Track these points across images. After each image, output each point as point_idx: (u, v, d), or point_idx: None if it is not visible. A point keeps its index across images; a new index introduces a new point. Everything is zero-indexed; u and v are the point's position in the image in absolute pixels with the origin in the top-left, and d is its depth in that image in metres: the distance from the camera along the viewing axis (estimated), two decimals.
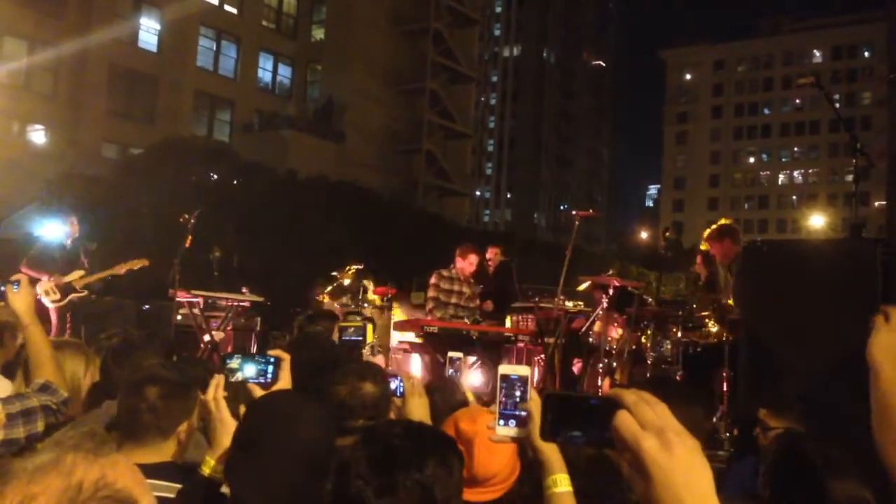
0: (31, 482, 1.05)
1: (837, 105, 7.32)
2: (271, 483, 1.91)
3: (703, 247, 7.21)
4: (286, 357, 2.34)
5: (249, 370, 2.31)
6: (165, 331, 8.27)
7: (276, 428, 2.00)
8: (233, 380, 2.34)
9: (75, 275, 8.74)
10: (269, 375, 2.31)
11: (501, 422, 1.73)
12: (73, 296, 8.65)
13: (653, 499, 0.98)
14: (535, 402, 1.72)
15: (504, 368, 1.78)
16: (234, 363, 2.32)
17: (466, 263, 8.51)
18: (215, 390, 2.31)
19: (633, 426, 1.00)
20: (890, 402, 1.89)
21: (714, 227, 7.19)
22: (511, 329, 8.75)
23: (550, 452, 1.73)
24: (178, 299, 8.68)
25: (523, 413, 1.72)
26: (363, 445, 1.59)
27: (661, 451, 0.98)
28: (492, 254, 9.82)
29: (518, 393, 1.74)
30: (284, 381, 2.29)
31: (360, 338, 5.97)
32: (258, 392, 2.30)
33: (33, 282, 8.14)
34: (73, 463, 1.09)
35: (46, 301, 8.43)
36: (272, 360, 2.33)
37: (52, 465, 1.08)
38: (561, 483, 1.73)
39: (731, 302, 7.18)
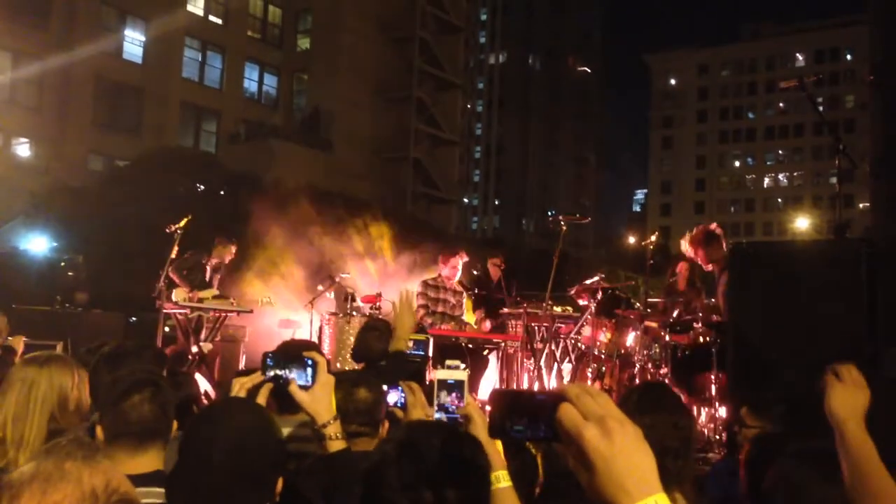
0: (46, 493, 1.06)
1: (820, 108, 7.34)
2: (196, 491, 1.89)
3: (683, 247, 7.17)
4: (322, 360, 2.31)
5: (289, 372, 2.26)
6: (152, 343, 8.23)
7: (201, 435, 1.98)
8: (273, 379, 2.28)
9: (208, 293, 9.20)
10: (309, 378, 2.27)
11: None
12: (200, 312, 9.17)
13: (596, 488, 0.99)
14: (471, 405, 1.77)
15: (441, 373, 1.81)
16: (273, 365, 2.27)
17: (449, 268, 8.51)
18: (250, 382, 2.29)
19: (575, 417, 1.01)
20: (861, 457, 1.90)
21: (698, 230, 7.13)
22: (500, 335, 8.76)
23: (490, 451, 1.74)
24: (165, 311, 8.65)
25: (461, 415, 1.75)
26: (407, 459, 1.54)
27: (601, 440, 0.99)
28: (493, 263, 9.80)
29: (455, 396, 1.77)
30: (322, 384, 2.26)
31: (421, 352, 5.20)
32: (294, 390, 2.25)
33: (172, 288, 8.91)
34: (78, 470, 1.10)
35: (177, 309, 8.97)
36: (309, 361, 2.27)
37: (57, 474, 1.09)
38: (502, 479, 1.75)
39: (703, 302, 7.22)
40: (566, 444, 1.03)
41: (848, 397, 1.95)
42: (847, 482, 1.91)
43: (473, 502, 1.56)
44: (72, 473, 1.09)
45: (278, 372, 2.25)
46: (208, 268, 9.34)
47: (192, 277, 9.15)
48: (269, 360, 2.27)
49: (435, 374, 1.82)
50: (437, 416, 1.78)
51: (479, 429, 1.74)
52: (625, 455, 0.98)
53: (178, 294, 8.98)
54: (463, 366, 3.96)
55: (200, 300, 9.10)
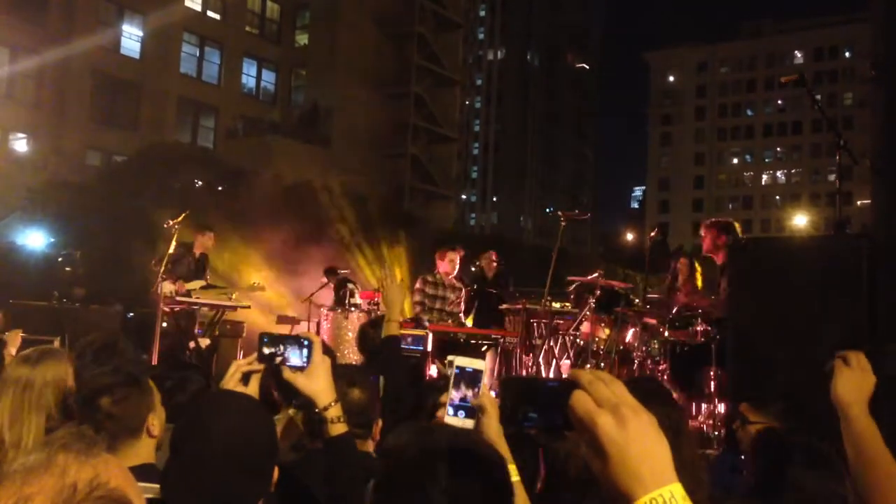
0: (25, 483, 1.04)
1: (819, 106, 7.37)
2: (193, 485, 1.86)
3: (702, 232, 7.25)
4: (317, 340, 2.28)
5: (285, 352, 2.23)
6: (150, 338, 8.22)
7: (195, 429, 1.95)
8: (267, 358, 2.24)
9: (195, 283, 9.15)
10: (305, 358, 2.24)
11: (451, 412, 1.76)
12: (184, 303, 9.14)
13: (610, 476, 0.96)
14: (486, 396, 1.75)
15: (460, 360, 1.79)
16: (269, 343, 2.24)
17: (446, 263, 8.48)
18: (248, 365, 2.27)
19: (588, 404, 0.99)
20: (865, 441, 1.89)
21: (721, 219, 7.26)
22: (499, 331, 8.74)
23: (500, 444, 1.73)
24: (163, 306, 8.62)
25: (474, 405, 1.73)
26: (421, 477, 1.49)
27: (615, 427, 0.96)
28: (487, 259, 9.80)
29: (471, 385, 1.75)
30: (318, 364, 2.20)
31: (420, 347, 5.05)
32: (289, 376, 2.22)
33: (154, 278, 8.84)
34: (66, 463, 1.08)
35: (161, 304, 8.91)
36: (305, 342, 2.21)
37: (44, 466, 1.07)
38: (511, 473, 1.72)
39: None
40: (578, 432, 1.00)
41: (854, 382, 1.94)
42: (851, 466, 1.91)
43: None
44: (58, 466, 1.07)
45: (273, 352, 2.22)
46: (191, 259, 9.32)
47: (177, 270, 9.13)
48: (264, 339, 2.25)
49: (454, 360, 1.79)
50: (450, 411, 1.75)
51: (492, 420, 1.72)
52: (639, 443, 0.96)
53: (166, 287, 8.94)
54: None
55: (188, 292, 9.04)
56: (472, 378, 1.77)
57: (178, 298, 8.92)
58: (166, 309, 8.98)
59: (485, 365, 1.82)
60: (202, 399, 2.21)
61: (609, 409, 0.98)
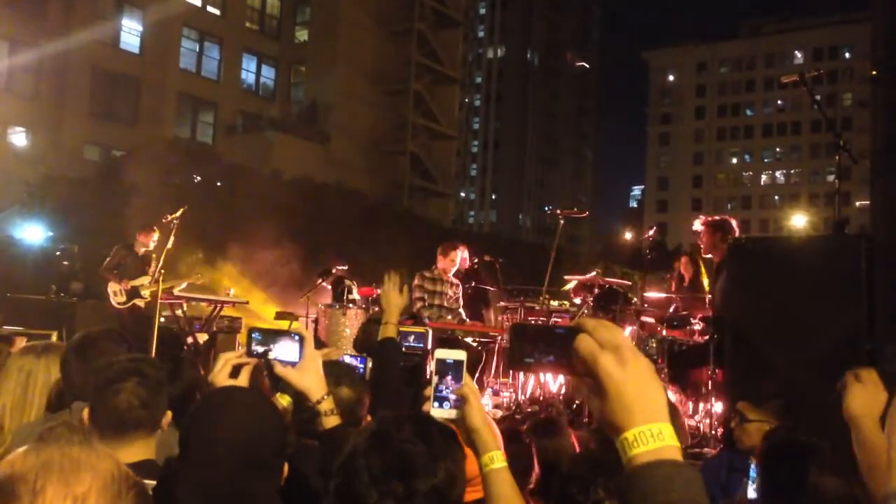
0: (70, 484, 1.03)
1: (819, 106, 7.34)
2: (204, 483, 1.86)
3: (696, 228, 7.20)
4: (308, 334, 2.27)
5: (276, 347, 2.22)
6: (148, 333, 8.20)
7: (203, 425, 1.95)
8: (259, 356, 2.23)
9: (141, 280, 9.22)
10: (296, 353, 2.20)
11: (436, 404, 1.78)
12: (136, 300, 9.23)
13: (607, 412, 1.03)
14: (468, 387, 1.78)
15: (440, 352, 1.82)
16: (260, 340, 2.22)
17: (448, 261, 8.44)
18: (236, 358, 2.27)
19: (591, 345, 1.05)
20: (875, 451, 1.94)
21: (717, 217, 7.20)
22: (497, 329, 8.73)
23: (485, 432, 1.75)
24: (160, 301, 8.61)
25: (458, 396, 1.76)
26: (376, 451, 1.57)
27: (616, 366, 1.03)
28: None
29: (453, 376, 1.77)
30: (309, 359, 2.20)
31: (421, 345, 5.03)
32: (281, 370, 2.20)
33: (105, 283, 9.19)
34: (87, 457, 1.07)
35: (113, 302, 9.14)
36: (296, 337, 2.22)
37: (69, 463, 1.05)
38: (497, 460, 1.75)
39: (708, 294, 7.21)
40: (581, 374, 1.07)
41: (866, 397, 2.01)
42: (865, 477, 1.96)
43: (444, 491, 1.57)
44: (83, 461, 1.06)
45: (265, 347, 2.21)
46: (133, 258, 9.36)
47: (121, 272, 9.21)
48: (255, 335, 2.23)
49: (434, 353, 1.81)
50: (434, 402, 1.77)
51: (475, 411, 1.75)
52: (636, 383, 1.03)
53: (112, 287, 9.13)
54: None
55: (134, 288, 9.12)
56: (455, 369, 1.79)
57: (175, 293, 8.92)
58: (118, 306, 9.08)
59: (465, 355, 1.84)
60: (210, 396, 2.19)
61: (611, 350, 1.05)
